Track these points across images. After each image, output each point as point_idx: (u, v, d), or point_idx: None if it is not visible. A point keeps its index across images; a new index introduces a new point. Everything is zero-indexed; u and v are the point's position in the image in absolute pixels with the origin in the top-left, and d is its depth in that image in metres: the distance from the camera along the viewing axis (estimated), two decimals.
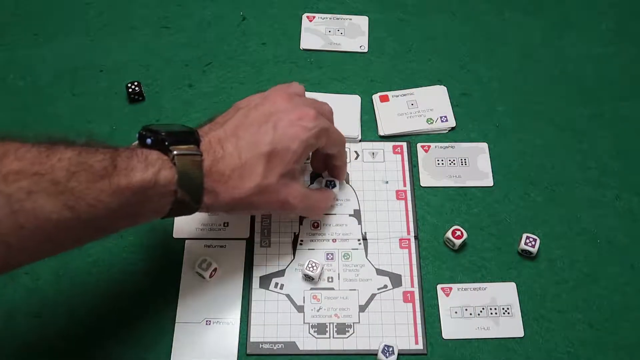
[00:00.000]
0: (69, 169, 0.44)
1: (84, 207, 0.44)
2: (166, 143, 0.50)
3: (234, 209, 0.55)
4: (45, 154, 0.44)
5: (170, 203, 0.50)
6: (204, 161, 0.51)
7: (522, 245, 0.58)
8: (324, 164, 0.64)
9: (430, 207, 0.65)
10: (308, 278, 0.61)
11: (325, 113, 0.60)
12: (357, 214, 0.65)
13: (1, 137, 0.44)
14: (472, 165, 0.68)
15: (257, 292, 0.60)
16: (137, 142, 0.52)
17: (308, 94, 0.71)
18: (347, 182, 0.66)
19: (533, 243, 0.59)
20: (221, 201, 0.52)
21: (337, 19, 0.78)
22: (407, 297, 0.60)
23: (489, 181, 0.67)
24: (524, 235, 0.59)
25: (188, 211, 0.52)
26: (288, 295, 0.60)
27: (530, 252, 0.59)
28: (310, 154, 0.62)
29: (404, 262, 0.62)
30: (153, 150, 0.50)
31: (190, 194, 0.50)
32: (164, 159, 0.49)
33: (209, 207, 0.53)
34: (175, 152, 0.49)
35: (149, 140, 0.51)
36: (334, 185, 0.64)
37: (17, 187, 0.42)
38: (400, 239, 0.63)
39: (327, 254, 0.62)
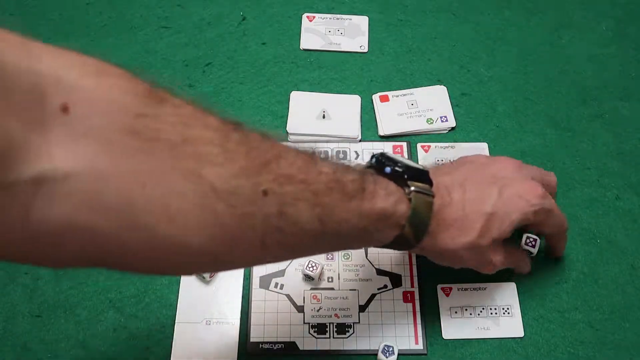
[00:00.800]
0: (327, 184, 0.45)
1: (331, 223, 0.45)
2: (405, 176, 0.50)
3: (443, 258, 0.55)
4: (310, 164, 0.45)
5: (395, 236, 0.50)
6: (434, 203, 0.51)
7: (523, 246, 0.58)
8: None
9: None
10: (308, 278, 0.61)
11: (551, 187, 0.60)
12: None
13: (274, 140, 0.44)
14: None
15: (257, 292, 0.60)
16: (366, 162, 0.53)
17: (308, 94, 0.72)
18: None
19: (533, 243, 0.59)
20: (436, 247, 0.53)
21: (337, 19, 0.78)
22: (407, 297, 0.60)
23: None
24: (525, 235, 0.59)
25: (405, 247, 0.53)
26: (288, 295, 0.60)
27: (530, 252, 0.59)
28: None
29: (404, 262, 0.62)
30: (391, 180, 0.50)
31: (414, 231, 0.50)
32: (401, 191, 0.50)
33: (423, 249, 0.53)
34: (412, 188, 0.50)
35: (388, 169, 0.51)
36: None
37: (286, 190, 0.42)
38: None
39: (327, 254, 0.62)
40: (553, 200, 0.57)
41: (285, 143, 0.46)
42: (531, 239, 0.59)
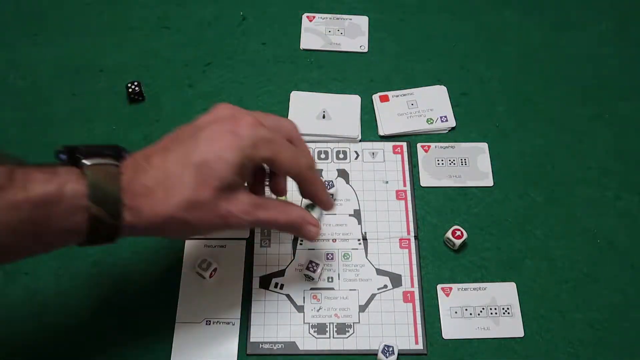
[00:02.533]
0: None
1: None
2: (77, 155, 0.45)
3: (163, 229, 0.48)
4: None
5: (86, 220, 0.44)
6: (123, 175, 0.46)
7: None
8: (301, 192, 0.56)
9: (430, 207, 0.65)
10: (308, 278, 0.61)
11: (283, 129, 0.53)
12: (357, 214, 0.65)
13: None
14: (472, 165, 0.68)
15: (257, 292, 0.60)
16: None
17: (308, 94, 0.72)
18: (347, 182, 0.66)
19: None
20: (146, 219, 0.46)
21: (337, 19, 0.78)
22: (407, 297, 0.60)
23: (489, 181, 0.67)
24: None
25: (109, 232, 0.46)
26: (288, 295, 0.60)
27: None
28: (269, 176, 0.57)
29: (404, 262, 0.62)
30: (64, 165, 0.45)
31: (106, 209, 0.45)
32: (73, 171, 0.45)
33: (134, 227, 0.47)
34: (87, 163, 0.45)
35: (62, 156, 0.46)
36: (332, 185, 0.64)
37: None
38: (400, 239, 0.63)
39: (327, 254, 0.62)
40: (272, 132, 0.50)
41: None
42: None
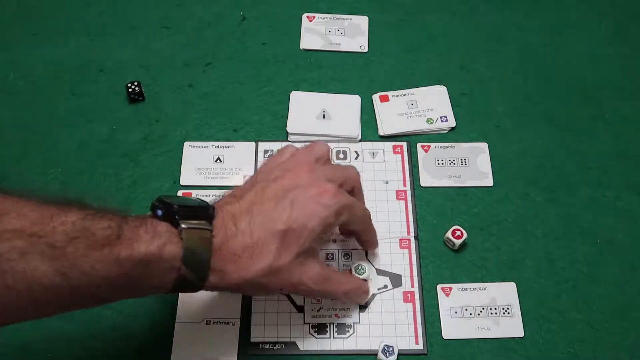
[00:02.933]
0: (69, 233, 0.42)
1: (77, 275, 0.42)
2: (176, 217, 0.47)
3: (243, 290, 0.52)
4: (50, 215, 0.42)
5: (173, 280, 0.47)
6: (214, 238, 0.48)
7: (354, 274, 0.59)
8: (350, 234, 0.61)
9: (430, 207, 0.65)
10: None
11: (349, 181, 0.56)
12: None
13: (5, 193, 0.42)
14: (472, 165, 0.68)
15: None
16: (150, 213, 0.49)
17: (308, 94, 0.72)
18: None
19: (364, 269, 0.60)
20: (229, 281, 0.49)
21: (337, 19, 0.78)
22: (407, 297, 0.60)
23: (489, 181, 0.67)
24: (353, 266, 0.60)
25: (192, 289, 0.49)
26: (288, 295, 0.60)
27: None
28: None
29: (404, 262, 0.62)
30: (163, 222, 0.47)
31: (194, 271, 0.47)
32: (172, 232, 0.46)
33: (215, 287, 0.50)
34: (183, 226, 0.46)
35: (159, 212, 0.48)
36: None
37: (10, 246, 0.40)
38: (400, 239, 0.63)
39: (327, 254, 0.62)
40: (349, 196, 0.54)
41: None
42: (362, 266, 0.60)
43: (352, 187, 0.56)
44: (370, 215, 0.58)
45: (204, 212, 0.49)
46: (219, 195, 0.54)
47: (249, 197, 0.51)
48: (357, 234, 0.59)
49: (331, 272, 0.56)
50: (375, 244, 0.61)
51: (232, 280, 0.49)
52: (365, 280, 0.59)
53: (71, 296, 0.43)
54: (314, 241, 0.51)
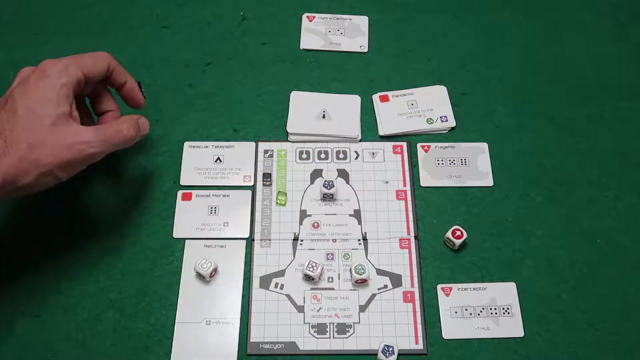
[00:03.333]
0: None
1: None
2: None
3: (20, 176, 0.52)
4: None
5: None
6: None
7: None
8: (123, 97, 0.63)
9: (430, 207, 0.65)
10: (308, 278, 0.61)
11: (89, 60, 0.58)
12: (357, 214, 0.65)
13: None
14: (472, 165, 0.68)
15: (257, 292, 0.60)
16: None
17: (308, 94, 0.72)
18: (347, 182, 0.66)
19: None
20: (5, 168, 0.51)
21: (337, 19, 0.78)
22: (407, 297, 0.60)
23: (489, 181, 0.67)
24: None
25: None
26: (288, 295, 0.60)
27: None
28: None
29: (404, 262, 0.62)
30: None
31: None
32: None
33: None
34: None
35: None
36: (332, 185, 0.64)
37: None
38: (400, 239, 0.63)
39: (327, 254, 0.62)
40: (68, 57, 0.57)
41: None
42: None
43: (104, 68, 0.59)
44: (106, 54, 0.60)
45: None
46: None
47: None
48: (118, 88, 0.62)
49: (97, 125, 0.59)
50: (135, 89, 0.63)
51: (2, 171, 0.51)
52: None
53: None
54: (58, 107, 0.54)
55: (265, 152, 0.68)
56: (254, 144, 0.69)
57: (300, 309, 0.60)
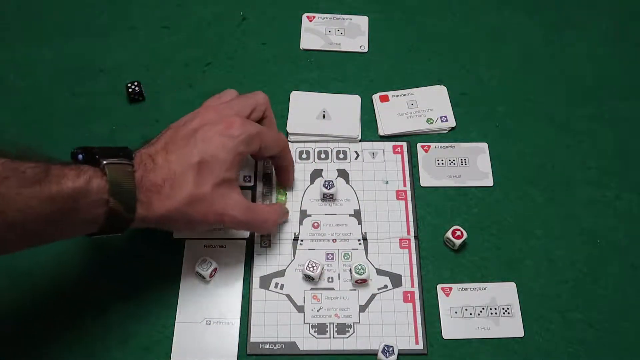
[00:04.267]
0: (1, 173, 0.45)
1: (13, 212, 0.45)
2: (97, 156, 0.51)
3: (170, 221, 0.54)
4: None
5: (104, 213, 0.50)
6: (136, 172, 0.52)
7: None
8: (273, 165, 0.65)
9: (430, 207, 0.65)
10: (308, 278, 0.61)
11: (259, 108, 0.61)
12: (357, 214, 0.65)
13: None
14: (472, 165, 0.68)
15: (257, 292, 0.60)
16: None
17: (308, 94, 0.72)
18: (347, 182, 0.66)
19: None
20: (155, 212, 0.52)
21: (337, 19, 0.78)
22: (407, 297, 0.60)
23: (489, 181, 0.67)
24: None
25: (122, 223, 0.51)
26: (288, 295, 0.60)
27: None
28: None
29: (404, 262, 0.62)
30: (86, 164, 0.50)
31: (123, 203, 0.50)
32: (95, 169, 0.50)
33: (144, 219, 0.52)
34: (104, 162, 0.50)
35: (80, 156, 0.52)
36: (332, 185, 0.64)
37: None
38: (400, 239, 0.63)
39: (327, 254, 0.62)
40: (256, 125, 0.58)
41: None
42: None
43: (262, 113, 0.61)
44: (285, 140, 0.62)
45: (123, 151, 0.53)
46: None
47: (162, 140, 0.56)
48: (275, 161, 0.63)
49: (252, 203, 0.62)
50: (292, 174, 0.65)
51: (159, 211, 0.52)
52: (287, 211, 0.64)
53: (10, 233, 0.46)
54: (227, 171, 0.55)
55: None
56: None
57: (300, 309, 0.60)
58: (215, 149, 0.54)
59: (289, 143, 0.68)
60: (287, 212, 0.64)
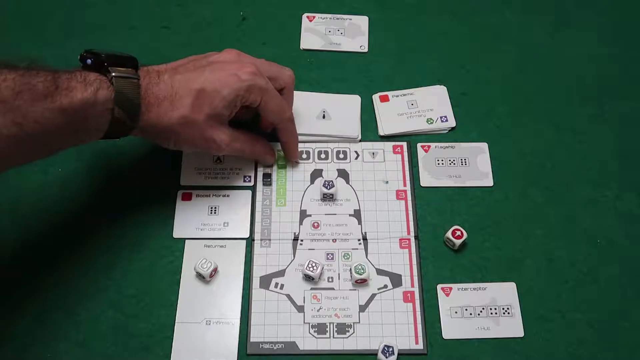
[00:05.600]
0: (14, 88, 0.47)
1: (30, 123, 0.48)
2: (105, 64, 0.54)
3: (160, 135, 0.58)
4: None
5: (109, 121, 0.54)
6: (141, 85, 0.55)
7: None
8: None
9: (430, 207, 0.65)
10: (308, 278, 0.61)
11: (280, 79, 0.63)
12: (357, 214, 0.65)
13: None
14: (472, 165, 0.68)
15: (257, 292, 0.60)
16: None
17: (308, 94, 0.72)
18: (347, 182, 0.66)
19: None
20: (153, 123, 0.56)
21: (337, 19, 0.78)
22: (407, 297, 0.60)
23: (489, 181, 0.67)
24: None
25: (125, 131, 0.56)
26: (288, 295, 0.60)
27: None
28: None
29: (404, 262, 0.62)
30: (92, 72, 0.53)
31: (126, 112, 0.54)
32: (102, 79, 0.53)
33: (143, 129, 0.56)
34: (113, 74, 0.53)
35: (89, 61, 0.55)
36: (332, 185, 0.64)
37: None
38: (400, 239, 0.63)
39: (327, 254, 0.62)
40: (267, 82, 0.60)
41: None
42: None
43: (282, 87, 0.63)
44: (290, 115, 0.64)
45: (130, 61, 0.56)
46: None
47: (177, 63, 0.60)
48: (278, 134, 0.65)
49: (240, 133, 0.62)
50: (294, 150, 0.66)
51: (156, 122, 0.56)
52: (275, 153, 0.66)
53: (30, 144, 0.50)
54: (223, 108, 0.58)
55: None
56: None
57: (300, 308, 0.60)
58: (219, 84, 0.57)
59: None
60: (274, 154, 0.66)
